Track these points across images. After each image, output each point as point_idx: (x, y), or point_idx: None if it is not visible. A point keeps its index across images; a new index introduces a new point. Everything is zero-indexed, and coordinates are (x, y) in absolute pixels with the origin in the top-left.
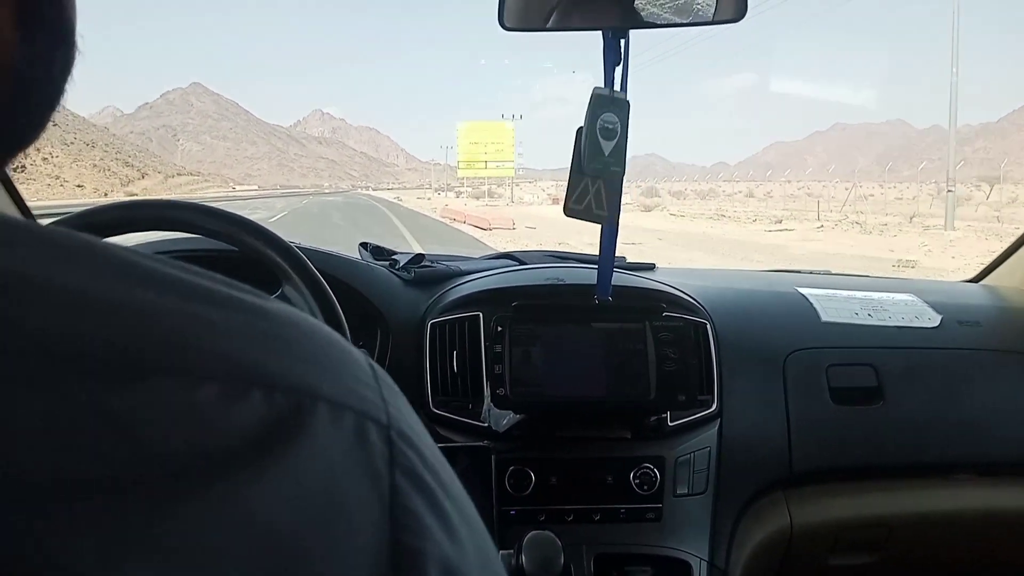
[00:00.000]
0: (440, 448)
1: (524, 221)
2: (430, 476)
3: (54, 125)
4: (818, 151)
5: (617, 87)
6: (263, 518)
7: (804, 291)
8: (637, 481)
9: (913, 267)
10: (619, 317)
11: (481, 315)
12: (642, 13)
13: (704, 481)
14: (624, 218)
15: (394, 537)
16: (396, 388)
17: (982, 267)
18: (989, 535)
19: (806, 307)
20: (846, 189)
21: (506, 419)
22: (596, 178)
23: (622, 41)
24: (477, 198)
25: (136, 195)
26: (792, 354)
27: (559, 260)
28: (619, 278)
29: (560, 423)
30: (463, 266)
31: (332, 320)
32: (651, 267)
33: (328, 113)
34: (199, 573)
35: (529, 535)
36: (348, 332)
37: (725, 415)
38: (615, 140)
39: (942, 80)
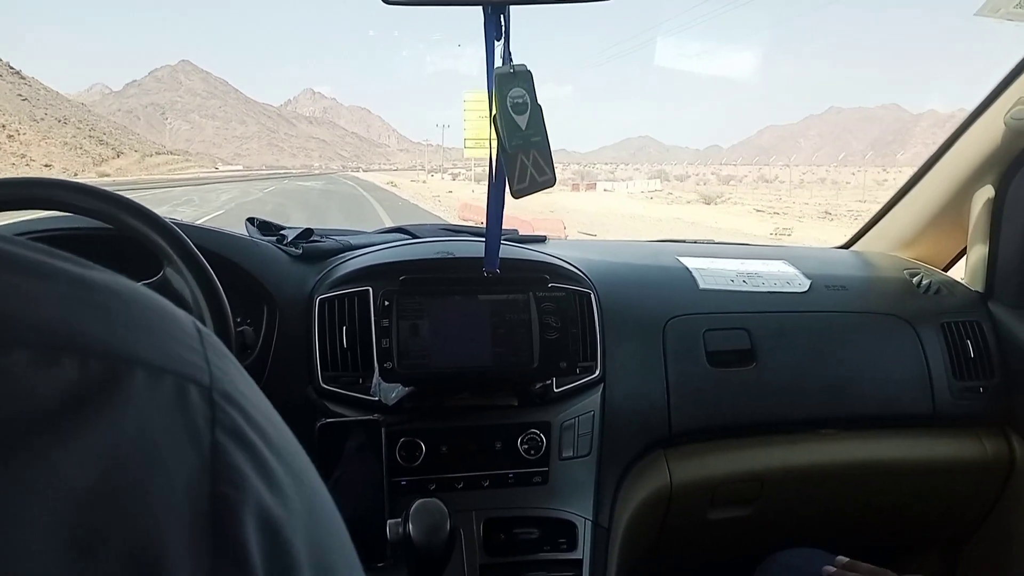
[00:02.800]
0: (330, 423)
1: (565, 219)
2: (255, 434)
3: (23, 100)
4: (812, 135)
5: (499, 63)
6: (71, 483)
7: (684, 260)
8: (524, 447)
9: (790, 235)
10: (504, 289)
11: (371, 290)
12: None
13: (588, 444)
14: (695, 214)
15: (214, 489)
16: (224, 350)
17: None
18: (851, 483)
19: (685, 276)
20: (852, 174)
21: (395, 392)
22: (526, 151)
23: (501, 16)
24: (478, 181)
25: (109, 175)
26: (671, 320)
27: (452, 234)
28: (509, 251)
29: (448, 393)
30: (353, 240)
31: (214, 302)
32: (542, 239)
33: (319, 92)
34: (2, 541)
35: (416, 503)
36: (230, 314)
37: (608, 380)
38: (527, 112)
39: (938, 65)
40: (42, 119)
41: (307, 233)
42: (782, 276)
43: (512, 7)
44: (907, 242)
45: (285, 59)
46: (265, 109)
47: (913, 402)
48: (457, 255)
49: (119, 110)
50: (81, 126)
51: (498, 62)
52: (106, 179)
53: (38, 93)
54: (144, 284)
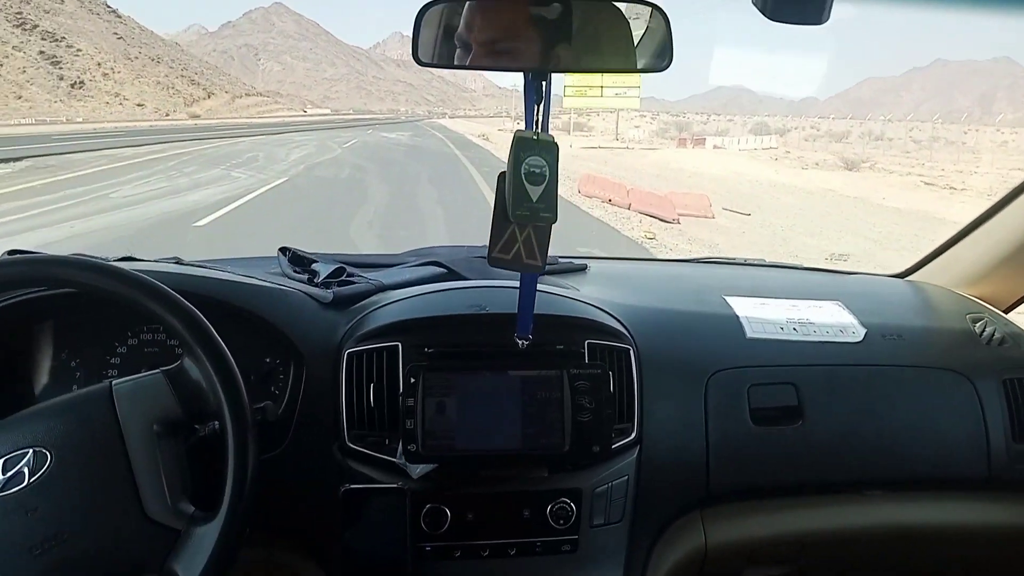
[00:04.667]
0: (354, 490)
1: (686, 184)
2: None
3: (118, 38)
4: (915, 88)
5: (539, 128)
6: None
7: (732, 301)
8: (553, 515)
9: (846, 260)
10: (536, 364)
11: (400, 346)
12: (563, 58)
13: (621, 510)
14: (845, 183)
15: None
16: None
17: (914, 261)
18: (896, 549)
19: (732, 322)
20: (964, 132)
21: (419, 468)
22: (523, 225)
23: (543, 82)
24: (567, 132)
25: (199, 115)
26: (715, 374)
27: (484, 265)
28: (543, 299)
29: (474, 470)
30: (386, 279)
31: (232, 394)
32: (583, 269)
33: (408, 36)
34: None
35: None
36: (247, 403)
37: (645, 441)
38: (544, 184)
39: None
40: (136, 58)
41: (339, 272)
42: (836, 324)
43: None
44: (972, 279)
45: (375, 1)
46: (354, 52)
47: (967, 464)
48: (491, 310)
49: (214, 51)
50: (174, 66)
51: (539, 127)
52: (197, 120)
53: (133, 32)
54: (161, 372)
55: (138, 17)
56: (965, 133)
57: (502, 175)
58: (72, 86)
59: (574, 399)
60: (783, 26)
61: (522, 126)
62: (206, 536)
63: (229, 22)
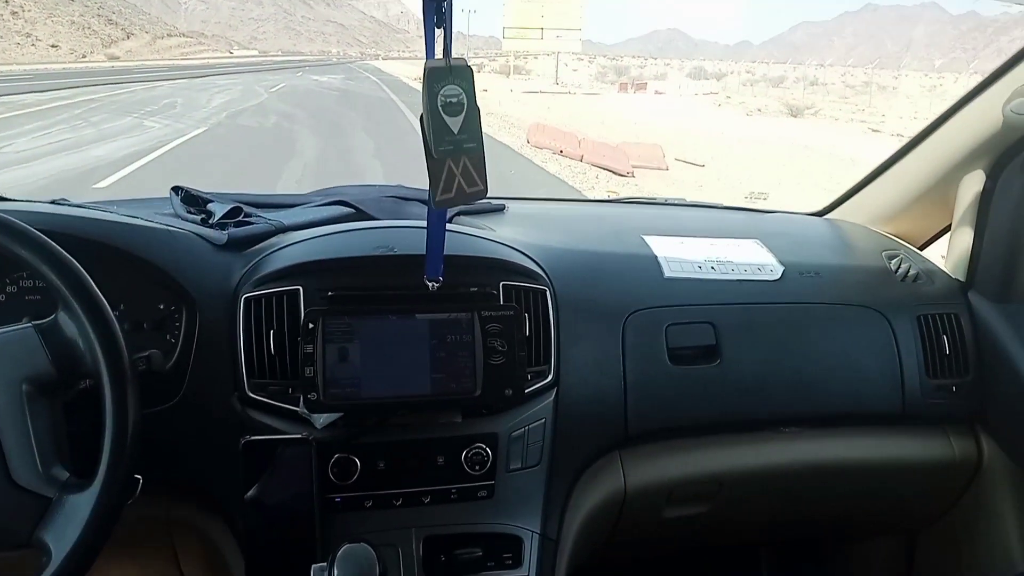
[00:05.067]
0: (254, 441)
1: (631, 133)
2: None
3: None
4: (847, 33)
5: (448, 53)
6: None
7: (650, 240)
8: (468, 461)
9: (766, 199)
10: (445, 307)
11: (301, 289)
12: None
13: (538, 453)
14: (803, 133)
15: None
16: None
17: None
18: (811, 483)
19: (649, 262)
20: (895, 78)
21: (323, 419)
22: (457, 156)
23: (443, 2)
24: (505, 75)
25: (118, 57)
26: (632, 314)
27: (400, 204)
28: (456, 240)
29: (382, 418)
30: (287, 219)
31: (111, 350)
32: (500, 209)
33: None
34: None
35: (342, 549)
36: (127, 363)
37: (561, 384)
38: (463, 113)
39: None
40: None
41: (236, 212)
42: (754, 262)
43: None
44: (887, 217)
45: None
46: None
47: (882, 400)
48: (399, 251)
49: None
50: (90, 4)
51: (438, 52)
52: (115, 62)
53: None
54: (32, 325)
55: None
56: (896, 78)
57: (420, 116)
58: None
59: (486, 342)
60: None
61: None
62: (80, 504)
63: None
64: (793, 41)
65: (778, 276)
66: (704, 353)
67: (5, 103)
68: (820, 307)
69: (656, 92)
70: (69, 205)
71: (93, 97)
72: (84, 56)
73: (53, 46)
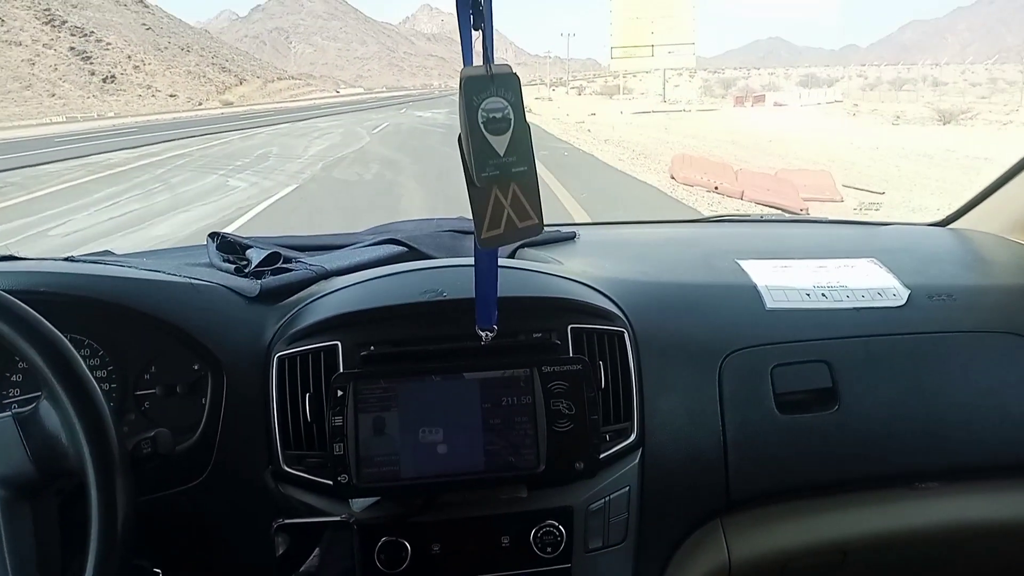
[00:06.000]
0: (289, 525)
1: (772, 154)
2: None
3: (147, 29)
4: (960, 29)
5: (490, 59)
6: None
7: (746, 265)
8: (538, 541)
9: (878, 209)
10: (500, 362)
11: (340, 345)
12: None
13: (623, 529)
14: (981, 145)
15: None
16: None
17: (953, 208)
18: (956, 550)
19: (748, 291)
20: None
21: (359, 504)
22: (505, 184)
23: None
24: (609, 96)
25: (231, 102)
26: (730, 355)
27: (458, 239)
28: (516, 278)
29: (430, 500)
30: (330, 263)
31: (98, 440)
32: (571, 238)
33: (437, 8)
34: None
35: None
36: (116, 449)
37: (648, 443)
38: (510, 131)
39: None
40: (166, 48)
41: (274, 258)
42: (873, 286)
43: None
44: None
45: None
46: (384, 28)
47: None
48: (449, 295)
49: (245, 36)
50: (204, 54)
51: (476, 59)
52: (228, 108)
53: (161, 22)
54: (12, 414)
55: (166, 6)
56: (1022, 72)
57: (459, 137)
58: (104, 81)
59: (549, 404)
60: None
61: (557, 93)
62: None
63: (258, 6)
64: (903, 41)
65: (903, 301)
66: (819, 398)
67: (88, 165)
68: (956, 336)
69: (776, 104)
70: (84, 261)
71: (184, 152)
72: (200, 103)
73: (171, 95)
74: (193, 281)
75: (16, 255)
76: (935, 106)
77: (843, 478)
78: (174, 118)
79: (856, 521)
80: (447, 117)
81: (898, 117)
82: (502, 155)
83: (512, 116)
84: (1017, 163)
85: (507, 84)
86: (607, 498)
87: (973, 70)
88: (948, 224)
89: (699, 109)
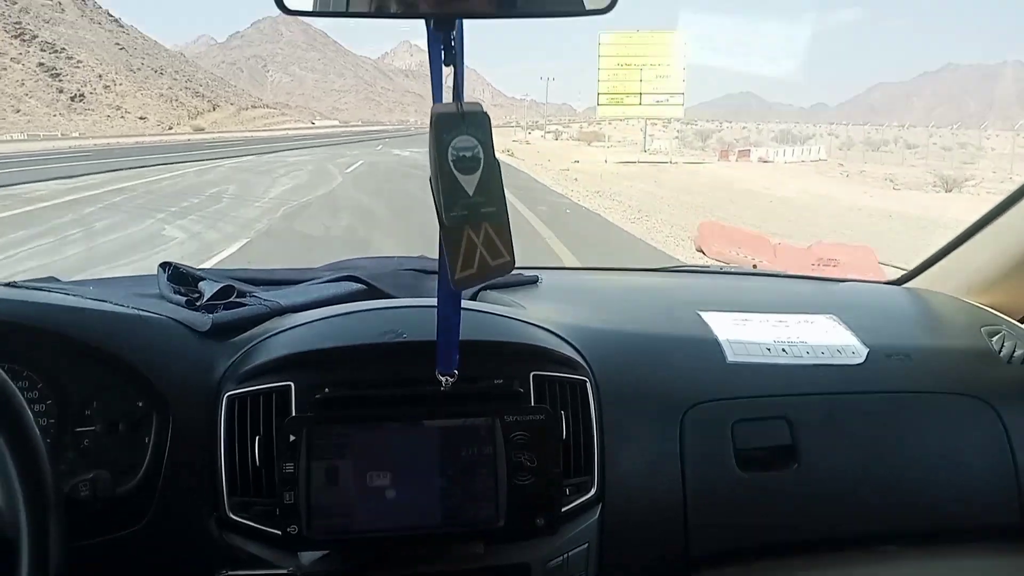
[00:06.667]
0: None
1: (794, 218)
2: None
3: (120, 48)
4: (926, 94)
5: (460, 97)
6: None
7: (707, 318)
8: None
9: (836, 265)
10: (461, 409)
11: (293, 386)
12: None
13: None
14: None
15: None
16: None
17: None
18: None
19: (709, 342)
20: (986, 139)
21: (307, 555)
22: (477, 224)
23: (451, 33)
24: (587, 142)
25: (203, 128)
26: (692, 409)
27: (420, 278)
28: (478, 321)
29: (383, 555)
30: (286, 299)
31: (33, 485)
32: (533, 281)
33: (416, 45)
34: None
35: None
36: (51, 497)
37: (608, 498)
38: (479, 170)
39: None
40: (139, 69)
41: (227, 291)
42: (831, 343)
43: (467, 22)
44: (983, 286)
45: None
46: (362, 62)
47: (997, 509)
48: (410, 337)
49: (223, 62)
50: (178, 77)
51: (446, 96)
52: (194, 134)
53: (136, 43)
54: None
55: (143, 28)
56: (986, 139)
57: (429, 179)
58: (72, 99)
59: (510, 455)
60: (789, 30)
61: (533, 136)
62: None
63: (237, 32)
64: (871, 102)
65: (862, 359)
66: (778, 455)
67: (9, 197)
68: (914, 396)
69: (761, 159)
70: (26, 288)
71: (127, 185)
72: (171, 128)
73: (141, 118)
74: (142, 313)
75: None
76: (936, 171)
77: (803, 538)
78: (136, 142)
79: None
80: (427, 157)
81: (891, 180)
82: (471, 195)
83: (482, 155)
84: (973, 225)
85: (478, 123)
86: (566, 555)
87: (940, 134)
88: (904, 283)
89: (685, 162)
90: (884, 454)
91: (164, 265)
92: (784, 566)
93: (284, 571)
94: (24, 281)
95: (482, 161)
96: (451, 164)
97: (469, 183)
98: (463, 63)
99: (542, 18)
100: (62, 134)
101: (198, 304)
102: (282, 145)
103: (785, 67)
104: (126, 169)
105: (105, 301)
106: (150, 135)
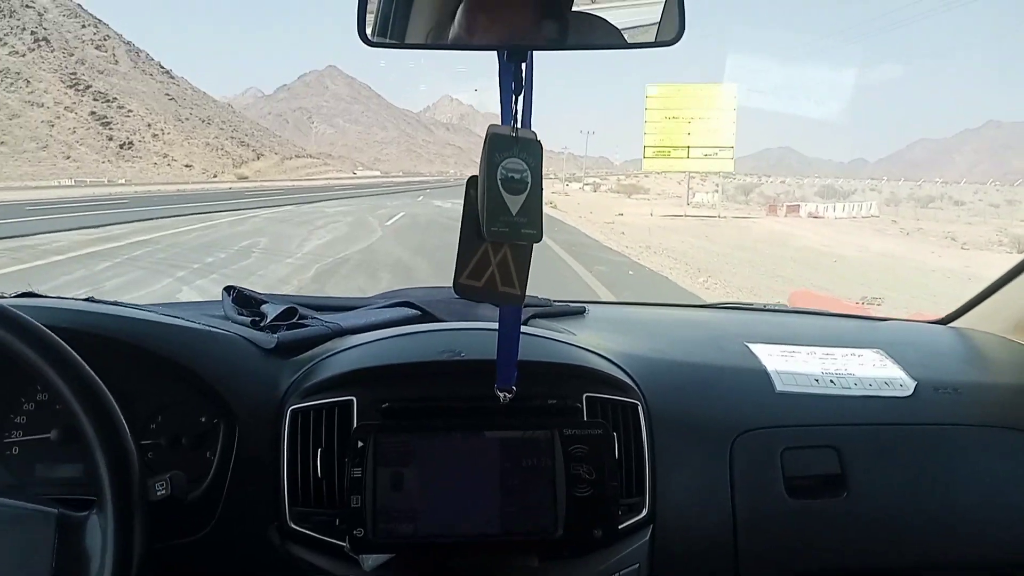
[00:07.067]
0: None
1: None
2: None
3: (170, 99)
4: (967, 150)
5: (518, 123)
6: None
7: (756, 349)
8: None
9: (880, 304)
10: (521, 422)
11: (355, 400)
12: (545, 31)
13: None
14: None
15: None
16: None
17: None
18: None
19: (758, 372)
20: None
21: (371, 559)
22: (499, 244)
23: (522, 63)
24: (627, 195)
25: (247, 177)
26: (741, 436)
27: (471, 306)
28: (532, 344)
29: (443, 561)
30: (345, 321)
31: (121, 476)
32: (581, 311)
33: (457, 99)
34: None
35: None
36: (136, 490)
37: (659, 519)
38: (525, 193)
39: None
40: (187, 119)
41: (290, 313)
42: (879, 376)
43: (536, 54)
44: None
45: (426, 66)
46: (405, 114)
47: None
48: (468, 356)
49: (269, 113)
50: (224, 127)
51: (519, 122)
52: (242, 182)
53: (185, 93)
54: (58, 513)
55: (193, 79)
56: None
57: (472, 179)
58: (121, 146)
59: (569, 467)
60: (828, 86)
61: (572, 188)
62: None
63: (284, 85)
64: (911, 158)
65: (910, 392)
66: (827, 484)
67: (23, 248)
68: (963, 429)
69: (810, 215)
70: (104, 303)
71: (151, 237)
72: (215, 175)
73: (187, 166)
74: (212, 329)
75: (36, 292)
76: (1002, 229)
77: (852, 566)
78: (178, 190)
79: None
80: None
81: (952, 238)
82: (514, 214)
83: (530, 180)
84: (1017, 265)
85: (530, 149)
86: (617, 574)
87: (986, 190)
88: (949, 322)
89: (733, 216)
90: (933, 485)
91: (228, 289)
92: None
93: None
94: (100, 299)
95: (529, 185)
96: (499, 183)
97: (514, 203)
98: (531, 92)
99: (610, 50)
100: (108, 180)
101: (261, 325)
102: (321, 195)
103: (825, 122)
104: (157, 219)
105: (178, 317)
106: (194, 182)
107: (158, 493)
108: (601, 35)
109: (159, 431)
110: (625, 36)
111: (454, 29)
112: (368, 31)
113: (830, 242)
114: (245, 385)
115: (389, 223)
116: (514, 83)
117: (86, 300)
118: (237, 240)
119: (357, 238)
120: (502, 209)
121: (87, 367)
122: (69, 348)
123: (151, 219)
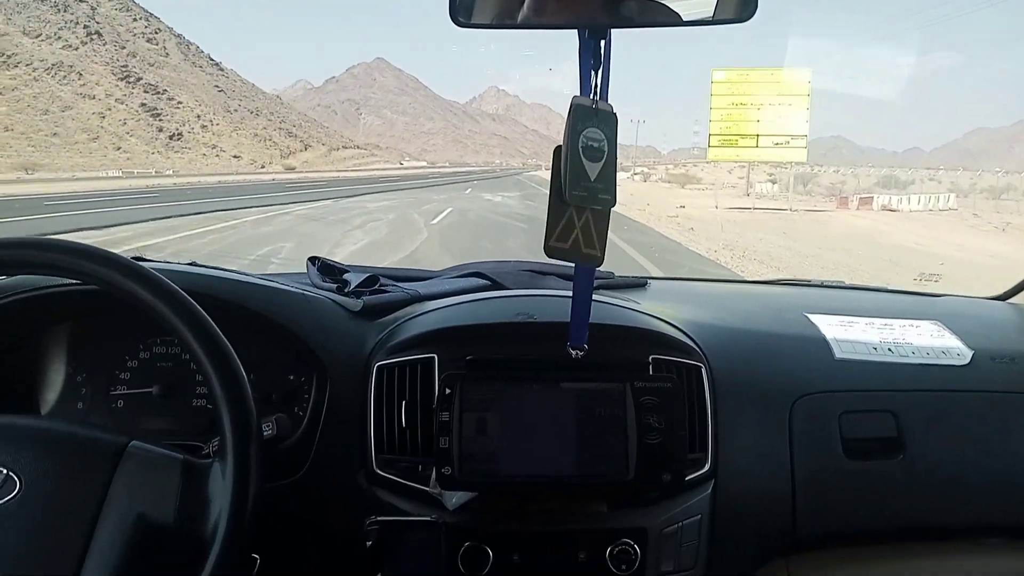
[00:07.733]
0: (382, 522)
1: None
2: None
3: (219, 91)
4: None
5: (598, 95)
6: None
7: (815, 319)
8: (614, 559)
9: (937, 280)
10: (594, 375)
11: (436, 358)
12: (624, 9)
13: (693, 556)
14: None
15: None
16: None
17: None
18: None
19: (817, 340)
20: None
21: (456, 497)
22: (582, 208)
23: (602, 42)
24: (680, 184)
25: (294, 167)
26: (800, 399)
27: (537, 279)
28: (600, 309)
29: (521, 501)
30: (423, 289)
31: (231, 385)
32: (643, 284)
33: (503, 90)
34: None
35: None
36: (251, 400)
37: (720, 475)
38: (602, 161)
39: None
40: (235, 110)
41: (372, 281)
42: (937, 346)
43: (615, 31)
44: None
45: (472, 57)
46: (451, 106)
47: None
48: (540, 319)
49: (318, 105)
50: (272, 118)
51: (597, 94)
52: (288, 173)
53: (235, 85)
54: (183, 459)
55: (242, 72)
56: None
57: (557, 149)
58: (170, 138)
59: (640, 417)
60: (883, 73)
61: (621, 178)
62: None
63: (333, 77)
64: (968, 148)
65: (967, 361)
66: (884, 446)
67: None
68: (1020, 397)
69: (884, 208)
70: (207, 267)
71: (159, 242)
72: (263, 166)
73: (235, 156)
74: (305, 292)
75: (144, 256)
76: None
77: (907, 525)
78: (219, 181)
79: (920, 570)
80: (521, 203)
81: None
82: (592, 180)
83: (606, 149)
84: None
85: (607, 121)
86: (680, 523)
87: None
88: (1006, 299)
89: (805, 209)
90: (991, 450)
91: (313, 259)
92: (890, 554)
93: (428, 518)
94: (204, 264)
95: (605, 154)
96: (580, 150)
97: (592, 170)
98: (609, 68)
99: (685, 27)
100: (156, 171)
101: (346, 291)
102: (365, 187)
103: (878, 110)
104: (176, 216)
105: (274, 281)
106: (241, 173)
107: (265, 433)
108: (676, 11)
109: (252, 388)
110: (699, 12)
111: (539, 9)
112: (457, 13)
113: (923, 240)
114: (336, 344)
115: (435, 221)
116: (593, 59)
117: (189, 264)
118: (256, 246)
119: (398, 242)
120: (582, 175)
121: (213, 324)
122: (200, 308)
123: (169, 217)
